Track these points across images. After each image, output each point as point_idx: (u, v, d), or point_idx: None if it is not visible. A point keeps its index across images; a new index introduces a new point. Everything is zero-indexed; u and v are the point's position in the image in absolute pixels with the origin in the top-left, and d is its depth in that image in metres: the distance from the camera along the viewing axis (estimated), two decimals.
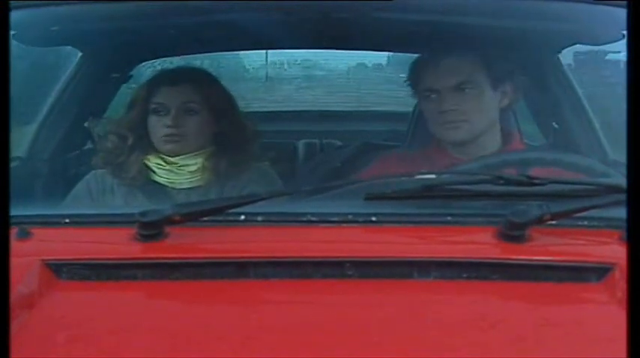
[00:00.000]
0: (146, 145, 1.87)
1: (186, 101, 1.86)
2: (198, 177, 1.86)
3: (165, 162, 1.86)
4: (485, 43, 1.91)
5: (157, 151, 1.87)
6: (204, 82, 1.94)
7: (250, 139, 1.93)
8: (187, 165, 1.85)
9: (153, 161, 1.86)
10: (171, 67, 2.27)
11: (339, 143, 2.83)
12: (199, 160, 1.86)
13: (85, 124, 2.40)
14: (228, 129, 1.90)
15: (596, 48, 2.43)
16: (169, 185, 1.85)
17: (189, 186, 1.85)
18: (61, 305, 1.16)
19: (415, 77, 1.90)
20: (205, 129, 1.88)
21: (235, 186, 1.83)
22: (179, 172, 1.85)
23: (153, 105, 1.87)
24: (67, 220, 1.35)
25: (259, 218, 1.32)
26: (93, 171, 1.89)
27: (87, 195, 1.85)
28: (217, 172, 1.86)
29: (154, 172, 1.86)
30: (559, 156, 1.67)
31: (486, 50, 1.87)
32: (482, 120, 1.83)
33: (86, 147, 2.41)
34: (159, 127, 1.85)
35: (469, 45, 1.88)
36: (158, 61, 2.76)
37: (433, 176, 1.40)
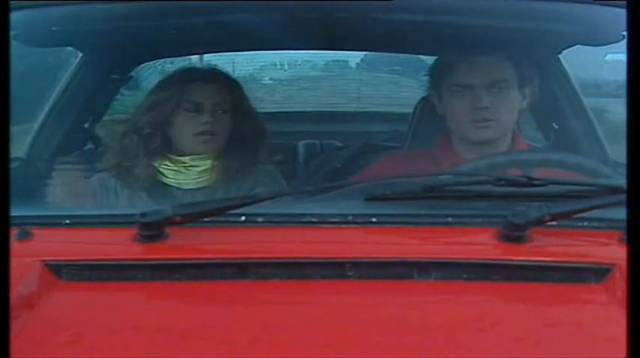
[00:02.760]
0: (163, 146, 1.86)
1: (220, 101, 1.86)
2: (206, 178, 1.85)
3: (171, 162, 1.85)
4: (485, 43, 1.90)
5: (168, 152, 1.85)
6: (231, 83, 1.95)
7: (262, 142, 1.93)
8: (197, 165, 1.85)
9: (161, 162, 1.85)
10: (199, 66, 2.26)
11: (339, 144, 2.82)
12: (209, 161, 1.85)
13: (86, 125, 2.41)
14: (246, 131, 1.90)
15: None
16: (176, 185, 1.84)
17: (195, 187, 1.84)
18: (61, 305, 1.16)
19: (442, 72, 1.87)
20: (230, 130, 1.88)
21: (241, 188, 1.83)
22: (187, 172, 1.84)
23: (186, 104, 1.85)
24: (68, 221, 1.35)
25: (260, 219, 1.32)
26: (97, 175, 1.87)
27: (90, 198, 1.83)
28: (226, 173, 1.85)
29: (161, 173, 1.84)
30: (562, 157, 1.66)
31: (515, 51, 1.86)
32: (510, 121, 1.84)
33: (86, 147, 2.41)
34: (193, 125, 1.84)
35: (469, 45, 1.88)
36: (159, 61, 2.76)
37: (433, 177, 1.40)
